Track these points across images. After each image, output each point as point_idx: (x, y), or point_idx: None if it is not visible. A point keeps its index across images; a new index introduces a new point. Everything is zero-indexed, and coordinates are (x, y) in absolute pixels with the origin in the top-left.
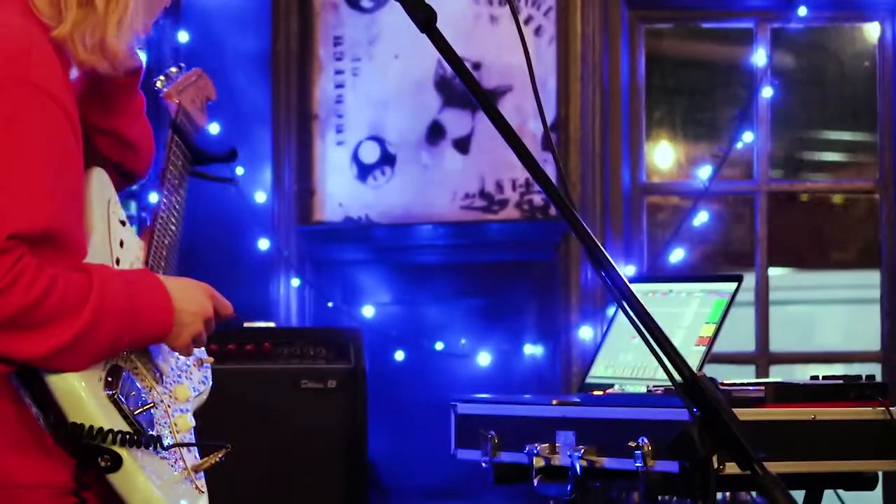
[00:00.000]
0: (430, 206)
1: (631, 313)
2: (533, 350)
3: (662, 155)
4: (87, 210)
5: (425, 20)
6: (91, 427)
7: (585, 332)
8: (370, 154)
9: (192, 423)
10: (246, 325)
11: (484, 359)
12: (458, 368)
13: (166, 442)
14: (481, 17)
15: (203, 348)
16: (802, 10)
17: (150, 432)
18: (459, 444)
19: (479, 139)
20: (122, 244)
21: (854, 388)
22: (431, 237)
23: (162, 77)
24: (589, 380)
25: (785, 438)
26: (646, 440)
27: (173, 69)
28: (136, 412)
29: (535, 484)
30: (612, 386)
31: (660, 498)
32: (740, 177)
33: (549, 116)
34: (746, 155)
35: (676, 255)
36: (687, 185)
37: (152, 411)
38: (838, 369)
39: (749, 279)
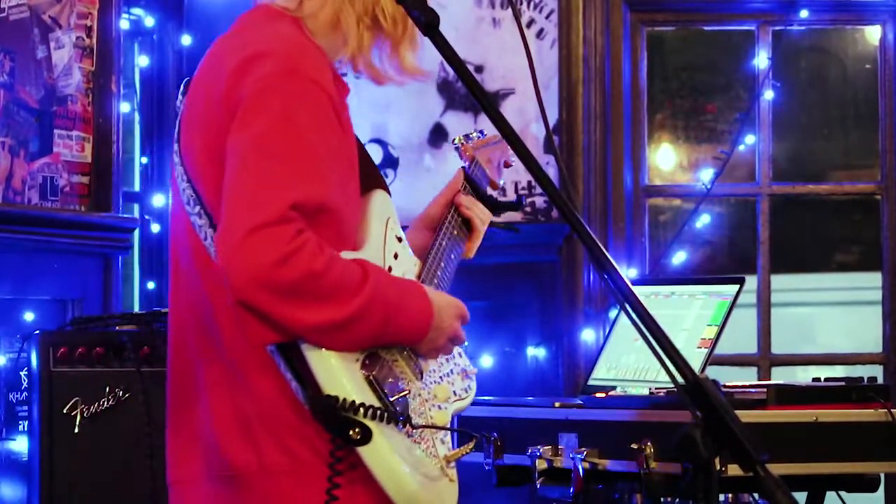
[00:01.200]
0: None
1: (633, 315)
2: (535, 352)
3: (665, 157)
4: (366, 220)
5: (428, 23)
6: (345, 399)
7: (588, 335)
8: (373, 157)
9: (448, 420)
10: None
11: (486, 361)
12: None
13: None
14: (484, 20)
15: (468, 362)
16: (804, 13)
17: (396, 413)
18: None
19: None
20: (395, 256)
21: (856, 391)
22: None
23: (462, 136)
24: (591, 382)
25: (787, 440)
26: (648, 442)
27: (474, 133)
28: (392, 397)
29: (538, 486)
30: (614, 388)
31: (662, 500)
32: (742, 179)
33: (552, 119)
34: (748, 157)
35: (678, 258)
36: (689, 188)
37: (409, 399)
38: (840, 371)
39: (750, 281)
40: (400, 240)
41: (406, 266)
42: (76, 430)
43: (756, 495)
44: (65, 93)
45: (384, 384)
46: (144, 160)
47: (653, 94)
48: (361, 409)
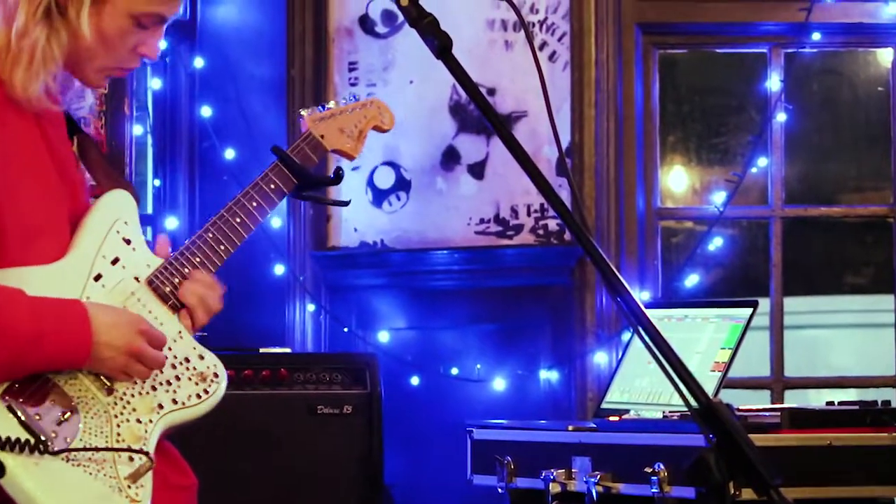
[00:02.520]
0: (445, 232)
1: (647, 338)
2: (548, 375)
3: (677, 180)
4: (81, 225)
5: (441, 47)
6: None
7: (600, 358)
8: (385, 179)
9: (146, 433)
10: (262, 350)
11: (499, 384)
12: (474, 394)
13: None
14: (496, 42)
15: (214, 363)
16: (816, 36)
17: (50, 437)
18: (475, 469)
19: (493, 164)
20: (115, 261)
21: (870, 414)
22: (447, 262)
23: (315, 107)
24: (604, 405)
25: (801, 464)
26: (662, 466)
27: (332, 103)
28: (50, 423)
29: None
30: (627, 411)
31: None
32: (754, 202)
33: (564, 142)
34: (761, 180)
35: (691, 280)
36: (702, 210)
37: (83, 420)
38: (853, 394)
39: (763, 304)
40: (128, 241)
41: (134, 269)
42: None
43: None
44: (77, 115)
45: (35, 410)
46: (157, 183)
47: (665, 116)
48: None
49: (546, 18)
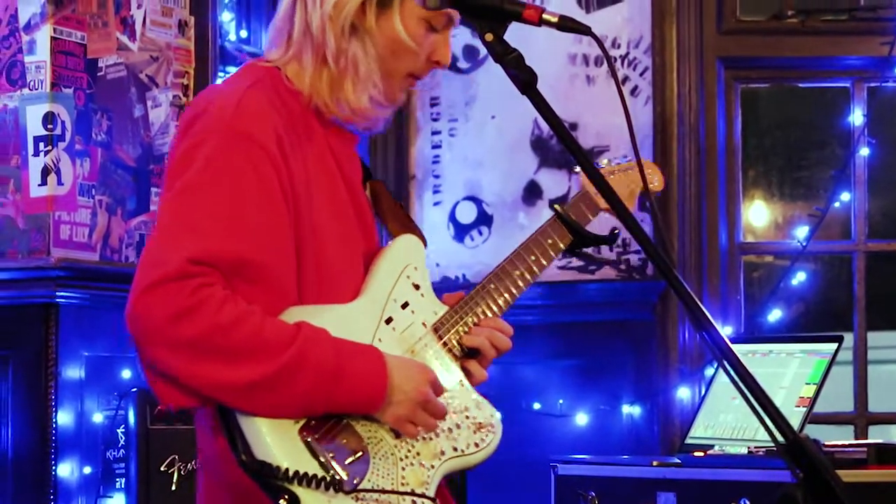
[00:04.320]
0: None
1: (732, 373)
2: (630, 410)
3: (759, 214)
4: (373, 269)
5: (526, 82)
6: (270, 465)
7: (683, 393)
8: (467, 214)
9: (428, 478)
10: None
11: (581, 419)
12: (556, 429)
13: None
14: (577, 77)
15: (492, 413)
16: None
17: (342, 477)
18: None
19: None
20: (405, 306)
21: None
22: (528, 297)
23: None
24: (689, 440)
25: (887, 500)
26: (748, 502)
27: (605, 161)
28: (343, 461)
29: None
30: (712, 447)
31: None
32: (837, 236)
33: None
34: (843, 214)
35: (774, 315)
36: (784, 245)
37: (371, 461)
38: None
39: (846, 338)
40: (417, 287)
41: (422, 315)
42: (173, 488)
43: None
44: (162, 151)
45: (329, 447)
46: None
47: (747, 150)
48: (288, 476)
49: (628, 53)
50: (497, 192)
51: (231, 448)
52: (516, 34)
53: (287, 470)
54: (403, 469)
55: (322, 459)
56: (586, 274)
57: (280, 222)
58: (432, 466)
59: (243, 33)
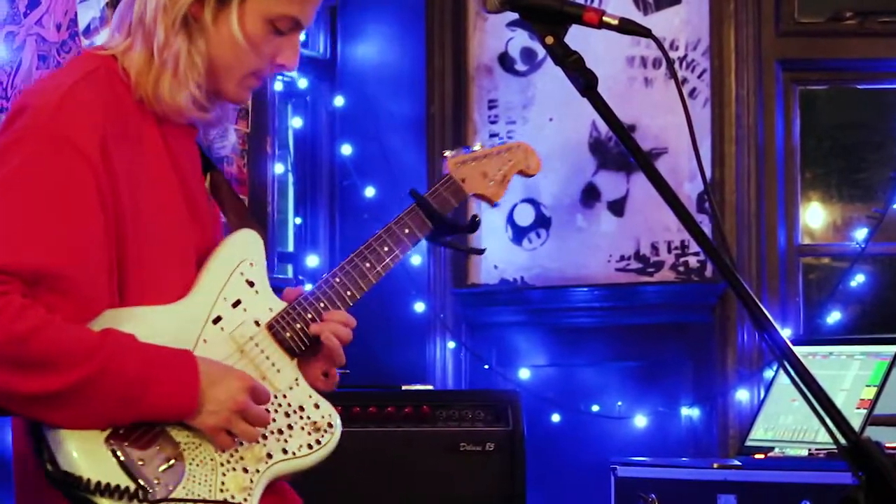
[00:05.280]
0: (585, 269)
1: (794, 374)
2: (689, 412)
3: (817, 216)
4: (205, 266)
5: (587, 84)
6: (72, 474)
7: (742, 395)
8: (525, 217)
9: (251, 483)
10: (404, 387)
11: (640, 421)
12: (615, 431)
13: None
14: (636, 79)
15: (330, 413)
16: None
17: (152, 485)
18: None
19: (634, 201)
20: (236, 304)
21: None
22: (586, 299)
23: (455, 150)
24: (749, 443)
25: None
26: None
27: (477, 145)
28: (158, 467)
29: None
30: (772, 449)
31: None
32: None
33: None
34: None
35: (833, 317)
36: (844, 247)
37: (187, 468)
38: None
39: None
40: (252, 284)
41: (255, 313)
42: None
43: None
44: (220, 154)
45: (139, 455)
46: (298, 221)
47: (805, 152)
48: (90, 487)
49: (686, 55)
50: (555, 195)
51: (37, 456)
52: (574, 37)
53: (89, 481)
54: (224, 475)
55: (130, 469)
56: (644, 276)
57: (90, 230)
58: (257, 471)
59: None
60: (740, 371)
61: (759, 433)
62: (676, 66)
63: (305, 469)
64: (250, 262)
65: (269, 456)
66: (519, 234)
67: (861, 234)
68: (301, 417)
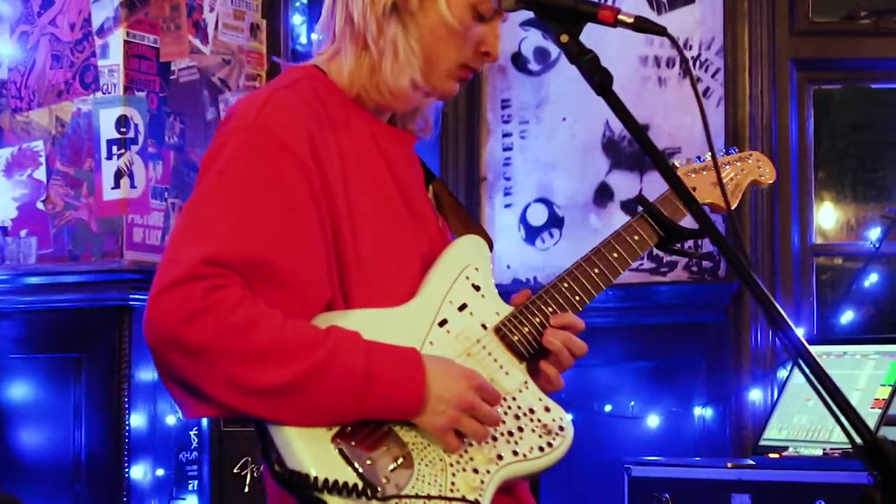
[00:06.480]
0: None
1: (808, 373)
2: (702, 412)
3: (831, 216)
4: (431, 270)
5: (602, 83)
6: (300, 473)
7: (756, 395)
8: (538, 216)
9: (482, 484)
10: None
11: (653, 421)
12: (628, 431)
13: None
14: (649, 79)
15: (561, 416)
16: None
17: (381, 484)
18: None
19: None
20: (462, 307)
21: None
22: (600, 299)
23: (685, 159)
24: (763, 442)
25: None
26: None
27: (707, 154)
28: (386, 466)
29: None
30: (786, 448)
31: None
32: None
33: None
34: None
35: (847, 317)
36: (857, 247)
37: (416, 467)
38: None
39: None
40: (478, 288)
41: (482, 317)
42: (246, 490)
43: None
44: None
45: (367, 455)
46: None
47: (819, 152)
48: (318, 485)
49: (700, 55)
50: (568, 195)
51: (263, 458)
52: (588, 36)
53: (317, 479)
54: (454, 475)
55: (358, 467)
56: (658, 276)
57: (305, 224)
58: (487, 472)
59: (314, 36)
60: (754, 371)
61: (773, 432)
62: (690, 64)
63: (536, 472)
64: (475, 266)
65: (500, 457)
66: (532, 233)
67: (875, 233)
68: (531, 420)
